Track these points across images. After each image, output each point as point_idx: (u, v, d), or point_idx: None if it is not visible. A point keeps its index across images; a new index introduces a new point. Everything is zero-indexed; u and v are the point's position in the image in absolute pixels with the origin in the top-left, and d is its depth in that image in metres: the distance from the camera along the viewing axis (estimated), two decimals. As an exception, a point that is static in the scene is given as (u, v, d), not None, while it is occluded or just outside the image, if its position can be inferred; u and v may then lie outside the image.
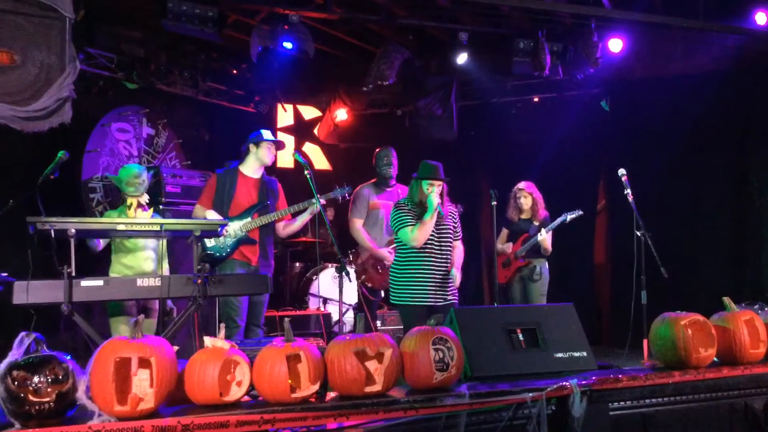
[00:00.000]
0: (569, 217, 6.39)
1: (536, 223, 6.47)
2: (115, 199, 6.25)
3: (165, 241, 5.15)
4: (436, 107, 8.33)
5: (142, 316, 2.93)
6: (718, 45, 7.36)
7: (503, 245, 6.66)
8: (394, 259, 5.06)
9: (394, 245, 5.38)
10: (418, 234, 4.79)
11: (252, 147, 5.42)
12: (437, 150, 8.73)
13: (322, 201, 5.33)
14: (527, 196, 6.52)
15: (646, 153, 7.79)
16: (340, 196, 5.67)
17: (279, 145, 5.55)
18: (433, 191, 4.87)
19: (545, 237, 6.31)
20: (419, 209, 4.88)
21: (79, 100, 4.91)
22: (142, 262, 5.11)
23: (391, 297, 5.01)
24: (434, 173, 4.91)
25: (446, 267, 4.94)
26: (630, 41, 7.27)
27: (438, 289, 4.89)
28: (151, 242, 5.16)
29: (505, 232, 6.71)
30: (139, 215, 5.10)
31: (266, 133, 5.47)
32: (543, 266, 6.48)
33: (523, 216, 6.58)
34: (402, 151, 8.98)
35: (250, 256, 5.28)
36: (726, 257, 7.51)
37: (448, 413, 3.02)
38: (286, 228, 5.52)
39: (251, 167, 5.43)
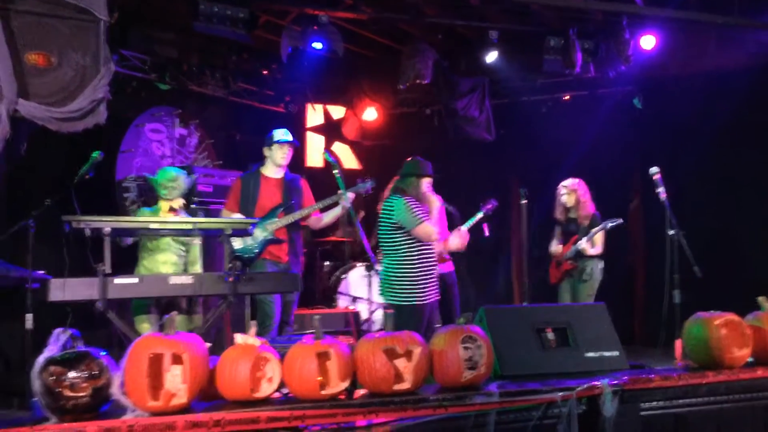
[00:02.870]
0: (609, 225, 6.29)
1: (584, 223, 6.37)
2: (149, 199, 6.34)
3: (198, 243, 5.18)
4: (473, 109, 8.32)
5: (174, 312, 2.96)
6: (752, 41, 7.23)
7: (555, 247, 6.58)
8: (402, 259, 4.85)
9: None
10: (435, 229, 4.83)
11: (266, 150, 5.49)
12: (466, 149, 8.75)
13: (351, 195, 5.34)
14: (570, 193, 6.40)
15: (680, 151, 7.69)
16: (362, 190, 5.60)
17: (292, 144, 5.51)
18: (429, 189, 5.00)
19: (585, 246, 6.22)
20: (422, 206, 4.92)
21: (113, 101, 4.98)
22: (160, 265, 5.09)
23: (394, 297, 4.84)
24: (429, 170, 5.02)
25: (436, 260, 5.04)
26: (662, 38, 7.17)
27: (436, 283, 4.97)
28: (174, 245, 5.14)
29: (558, 230, 6.65)
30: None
31: (277, 134, 5.46)
32: (595, 266, 6.37)
33: (571, 215, 6.49)
34: (431, 150, 8.96)
35: (280, 254, 5.33)
36: (762, 256, 7.37)
37: (477, 412, 3.01)
38: (318, 222, 5.58)
39: (271, 169, 5.49)
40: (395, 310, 4.84)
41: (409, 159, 5.07)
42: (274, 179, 5.48)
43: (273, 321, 5.25)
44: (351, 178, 5.82)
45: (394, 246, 4.90)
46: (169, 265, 5.12)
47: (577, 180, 6.47)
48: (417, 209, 4.81)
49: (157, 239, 5.10)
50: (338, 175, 5.24)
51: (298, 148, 9.20)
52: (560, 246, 6.50)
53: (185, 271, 5.16)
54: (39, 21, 4.54)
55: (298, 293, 5.45)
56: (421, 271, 4.85)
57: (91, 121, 4.70)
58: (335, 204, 5.40)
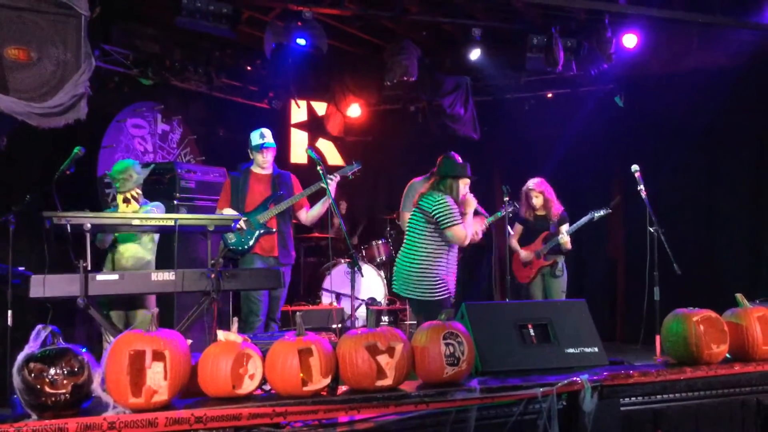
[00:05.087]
0: (596, 215, 6.33)
1: (554, 220, 6.42)
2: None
3: (156, 236, 5.16)
4: (459, 107, 8.34)
5: (156, 309, 2.95)
6: (734, 40, 7.29)
7: (519, 246, 6.59)
8: (424, 251, 4.83)
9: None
10: (469, 234, 4.83)
11: (249, 152, 5.61)
12: (450, 146, 8.70)
13: (337, 177, 5.38)
14: (538, 196, 6.44)
15: (661, 149, 7.75)
16: (350, 172, 5.62)
17: (271, 148, 5.57)
18: (465, 191, 4.96)
19: (567, 239, 6.27)
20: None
21: (95, 96, 4.94)
22: (123, 258, 5.09)
23: (423, 292, 4.80)
24: (469, 171, 4.99)
25: None
26: (644, 37, 7.22)
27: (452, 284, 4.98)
28: (134, 239, 5.13)
29: (519, 227, 6.67)
30: (124, 210, 5.09)
31: (254, 138, 5.52)
32: (563, 262, 6.45)
33: (538, 213, 6.54)
34: (414, 146, 8.98)
35: (269, 248, 5.36)
36: (741, 254, 7.46)
37: (458, 408, 3.03)
38: (308, 214, 5.60)
39: (259, 167, 5.55)
40: (425, 305, 4.82)
41: (445, 157, 5.03)
42: (263, 175, 5.60)
43: (260, 317, 5.27)
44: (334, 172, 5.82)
45: (421, 240, 4.85)
46: (128, 256, 5.10)
47: (541, 180, 6.49)
48: (455, 211, 4.78)
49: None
50: (322, 172, 5.26)
51: (282, 144, 9.23)
52: (529, 252, 6.51)
53: (148, 263, 5.14)
54: (19, 16, 4.49)
55: (285, 290, 5.49)
56: (440, 269, 4.84)
57: (72, 117, 4.66)
58: (321, 194, 5.44)
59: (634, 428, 3.40)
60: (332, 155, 9.76)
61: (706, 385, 3.55)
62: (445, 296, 4.86)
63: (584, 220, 6.32)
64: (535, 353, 3.64)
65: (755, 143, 7.50)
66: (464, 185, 4.95)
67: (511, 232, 6.63)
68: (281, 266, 5.35)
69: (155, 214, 4.97)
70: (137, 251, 5.10)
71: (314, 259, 8.61)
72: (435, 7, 7.26)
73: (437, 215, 4.76)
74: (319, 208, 5.56)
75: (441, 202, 4.78)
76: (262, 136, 5.52)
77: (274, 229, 5.40)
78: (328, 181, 5.28)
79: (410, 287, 4.84)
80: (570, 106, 8.47)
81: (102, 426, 2.56)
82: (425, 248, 4.83)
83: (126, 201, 5.12)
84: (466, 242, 4.83)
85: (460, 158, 5.15)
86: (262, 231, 5.32)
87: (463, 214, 4.86)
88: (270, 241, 5.39)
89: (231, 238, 5.28)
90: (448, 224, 4.74)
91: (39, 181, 4.74)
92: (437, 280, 4.81)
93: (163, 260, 5.16)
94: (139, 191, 5.19)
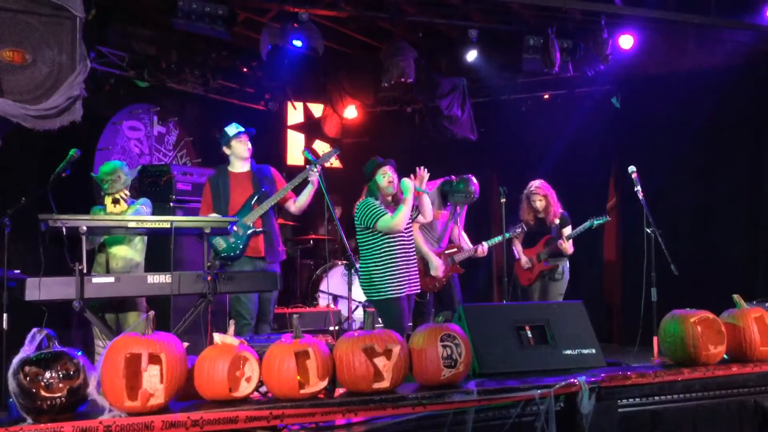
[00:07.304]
0: (596, 222, 6.32)
1: (557, 222, 6.37)
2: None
3: (145, 237, 5.14)
4: (456, 108, 8.34)
5: (152, 312, 2.93)
6: (730, 41, 7.31)
7: (520, 248, 6.57)
8: (367, 256, 5.02)
9: (450, 250, 5.99)
10: (399, 218, 4.91)
11: (226, 149, 5.47)
12: (446, 147, 8.77)
13: (318, 168, 5.34)
14: (542, 199, 6.36)
15: (658, 150, 7.76)
16: (330, 158, 5.59)
17: (247, 133, 5.49)
18: (390, 176, 5.03)
19: (567, 246, 6.24)
20: (384, 204, 5.03)
21: (91, 98, 4.93)
22: (111, 259, 5.08)
23: (371, 293, 4.99)
24: (379, 160, 5.07)
25: (414, 253, 5.11)
26: (641, 38, 7.24)
27: (413, 277, 5.05)
28: (124, 240, 5.12)
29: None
30: (112, 211, 5.08)
31: (230, 130, 5.45)
32: (564, 265, 6.41)
33: (538, 216, 6.49)
34: (411, 148, 8.97)
35: (257, 249, 5.31)
36: (738, 255, 7.46)
37: (456, 410, 3.02)
38: (296, 204, 5.54)
39: (237, 164, 5.47)
40: (375, 305, 5.04)
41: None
42: (243, 173, 5.46)
43: (249, 320, 5.21)
44: (332, 176, 5.82)
45: (362, 245, 5.05)
46: (118, 258, 5.08)
47: (543, 182, 6.45)
48: (373, 207, 4.95)
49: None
50: (319, 174, 5.25)
51: (279, 146, 9.23)
52: (530, 258, 6.49)
53: (138, 265, 5.13)
54: (14, 17, 4.48)
55: (276, 291, 5.45)
56: (382, 266, 4.94)
57: (67, 119, 4.65)
58: (306, 182, 5.40)
59: (631, 429, 3.39)
60: (329, 157, 9.74)
61: (703, 386, 3.55)
62: (397, 295, 4.92)
63: (584, 227, 6.30)
64: (533, 355, 3.64)
65: (752, 143, 7.51)
66: (383, 174, 5.05)
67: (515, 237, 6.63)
68: (270, 265, 5.32)
69: (150, 216, 4.95)
70: (127, 252, 5.08)
71: (311, 261, 8.60)
72: (431, 8, 7.26)
73: (362, 220, 4.97)
74: (306, 197, 5.49)
75: (359, 207, 5.02)
76: (237, 125, 5.46)
77: (262, 230, 5.33)
78: (311, 173, 5.27)
79: (367, 289, 5.03)
80: (567, 107, 8.48)
81: (98, 429, 2.54)
82: (369, 252, 5.00)
83: (115, 202, 5.09)
84: (400, 227, 4.93)
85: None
86: (250, 233, 5.25)
87: (400, 201, 4.97)
88: (256, 242, 5.34)
89: (221, 244, 5.18)
90: (373, 220, 4.92)
91: (34, 183, 4.71)
92: (386, 279, 4.92)
93: (152, 263, 5.16)
94: (127, 192, 5.17)
